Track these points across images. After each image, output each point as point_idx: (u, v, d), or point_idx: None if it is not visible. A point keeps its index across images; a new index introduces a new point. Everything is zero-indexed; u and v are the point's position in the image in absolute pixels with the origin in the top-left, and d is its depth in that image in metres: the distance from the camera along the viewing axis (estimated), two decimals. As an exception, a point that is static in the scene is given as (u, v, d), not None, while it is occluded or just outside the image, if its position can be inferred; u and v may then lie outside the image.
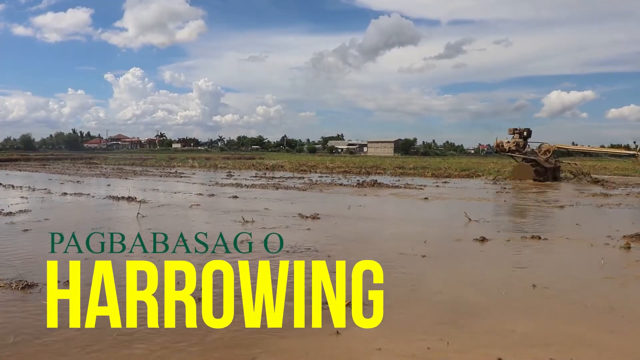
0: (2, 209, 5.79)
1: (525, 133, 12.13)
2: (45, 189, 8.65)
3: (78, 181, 11.40)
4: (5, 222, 4.96)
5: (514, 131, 12.27)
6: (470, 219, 5.38)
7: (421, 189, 9.51)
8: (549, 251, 3.91)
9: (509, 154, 12.20)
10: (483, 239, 4.22)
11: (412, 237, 4.39)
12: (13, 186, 9.36)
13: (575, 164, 12.18)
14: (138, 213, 5.50)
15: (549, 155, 11.65)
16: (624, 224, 5.16)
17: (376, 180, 10.87)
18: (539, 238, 4.29)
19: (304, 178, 12.76)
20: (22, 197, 7.47)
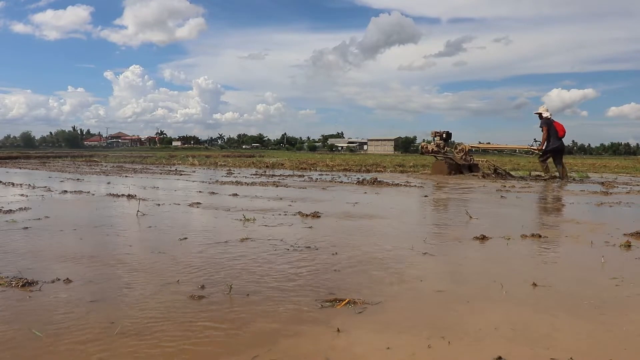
0: (2, 207, 5.78)
1: (444, 135, 13.49)
2: (46, 187, 8.65)
3: (78, 179, 11.40)
4: (5, 220, 4.95)
5: (435, 134, 13.63)
6: (470, 217, 5.38)
7: (421, 187, 9.51)
8: (549, 250, 3.91)
9: (432, 154, 13.53)
10: (483, 237, 4.21)
11: (412, 235, 4.39)
12: (13, 184, 9.36)
13: (487, 160, 13.87)
14: (138, 211, 5.50)
15: (462, 154, 13.04)
16: (625, 222, 5.16)
17: (376, 178, 10.87)
18: (539, 236, 4.29)
19: (304, 176, 12.76)
20: (22, 194, 7.47)
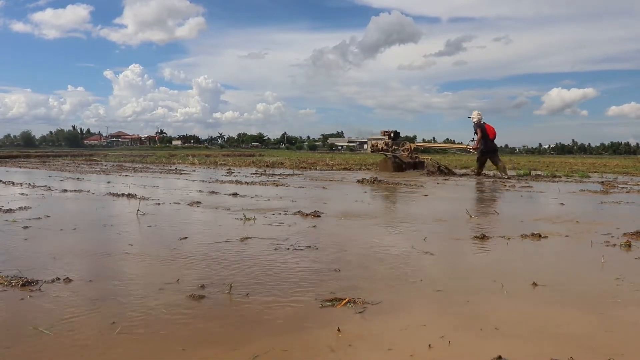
0: (2, 206, 5.78)
1: (392, 135, 14.57)
2: (46, 186, 8.65)
3: (78, 178, 11.41)
4: (5, 219, 4.95)
5: (384, 133, 14.69)
6: (471, 216, 5.38)
7: (421, 186, 9.51)
8: (550, 249, 3.90)
9: (382, 152, 14.52)
10: (483, 237, 4.21)
11: (413, 234, 4.39)
12: (13, 183, 9.36)
13: (431, 159, 14.72)
14: (138, 210, 5.50)
15: (408, 152, 14.12)
16: (625, 221, 5.15)
17: (376, 177, 10.87)
18: (540, 236, 4.29)
19: (304, 175, 12.77)
20: (22, 193, 7.48)
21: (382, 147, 14.41)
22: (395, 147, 14.47)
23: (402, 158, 13.97)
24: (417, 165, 14.06)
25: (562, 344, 2.01)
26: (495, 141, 12.91)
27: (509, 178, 11.78)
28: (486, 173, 13.25)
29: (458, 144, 14.63)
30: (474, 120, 12.75)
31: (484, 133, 12.54)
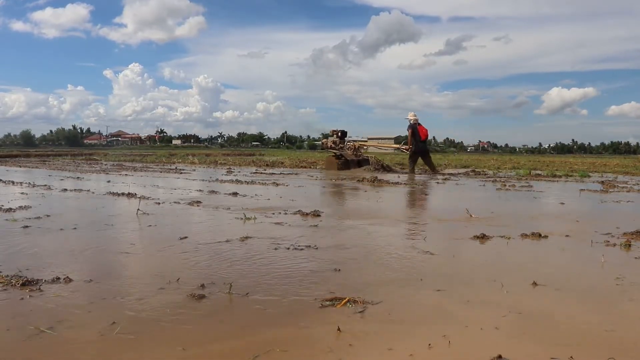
0: (2, 205, 5.78)
1: (340, 133, 15.35)
2: (46, 185, 8.65)
3: (78, 177, 11.41)
4: (5, 219, 4.95)
5: (333, 132, 15.50)
6: (471, 215, 5.38)
7: (422, 185, 9.51)
8: (550, 249, 3.90)
9: (330, 149, 15.26)
10: (483, 236, 4.21)
11: (412, 234, 4.39)
12: (13, 182, 9.36)
13: (374, 156, 15.64)
14: (138, 210, 5.49)
15: (352, 150, 15.11)
16: (625, 221, 5.16)
17: (376, 177, 10.87)
18: (539, 236, 4.29)
19: (304, 175, 12.77)
20: (22, 193, 7.47)
21: (331, 145, 15.17)
22: (342, 146, 15.22)
23: (347, 156, 14.71)
24: (362, 163, 14.81)
25: (562, 343, 2.01)
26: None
27: (438, 174, 12.84)
28: (485, 171, 13.36)
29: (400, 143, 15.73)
30: (411, 121, 13.55)
31: (416, 133, 13.38)
